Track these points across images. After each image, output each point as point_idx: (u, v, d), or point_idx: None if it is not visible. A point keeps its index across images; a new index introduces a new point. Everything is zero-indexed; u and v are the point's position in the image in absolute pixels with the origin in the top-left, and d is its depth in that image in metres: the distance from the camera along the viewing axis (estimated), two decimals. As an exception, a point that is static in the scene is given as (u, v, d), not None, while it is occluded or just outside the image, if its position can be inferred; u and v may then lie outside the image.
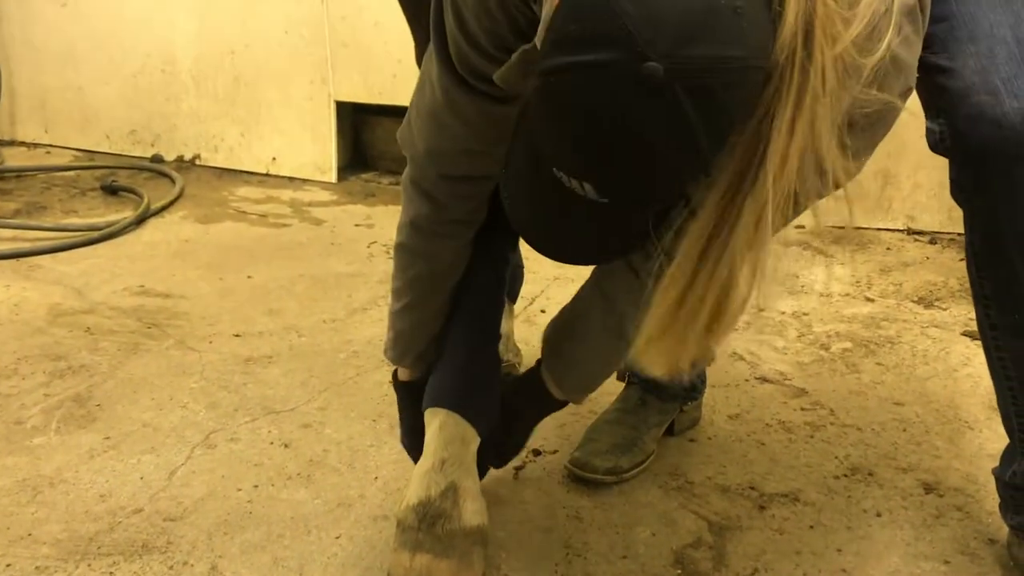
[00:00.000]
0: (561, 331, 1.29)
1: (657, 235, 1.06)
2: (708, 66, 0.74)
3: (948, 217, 2.60)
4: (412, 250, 1.26)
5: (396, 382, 1.39)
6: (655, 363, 0.96)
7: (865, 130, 0.91)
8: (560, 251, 0.96)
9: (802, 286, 2.28)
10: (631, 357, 0.96)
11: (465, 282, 1.36)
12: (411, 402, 1.34)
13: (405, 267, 1.28)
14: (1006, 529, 1.28)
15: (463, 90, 1.06)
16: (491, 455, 1.34)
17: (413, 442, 1.34)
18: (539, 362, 1.31)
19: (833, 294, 2.24)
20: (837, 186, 0.88)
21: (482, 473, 1.32)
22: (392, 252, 1.28)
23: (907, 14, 0.89)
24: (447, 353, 1.32)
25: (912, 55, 0.94)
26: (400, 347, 1.33)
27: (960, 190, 1.12)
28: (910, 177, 2.63)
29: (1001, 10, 1.06)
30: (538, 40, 0.92)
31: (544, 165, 0.84)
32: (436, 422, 1.27)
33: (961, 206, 1.14)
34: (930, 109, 1.10)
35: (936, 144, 1.10)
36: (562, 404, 1.32)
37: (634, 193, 0.82)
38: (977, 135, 1.05)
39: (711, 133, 0.77)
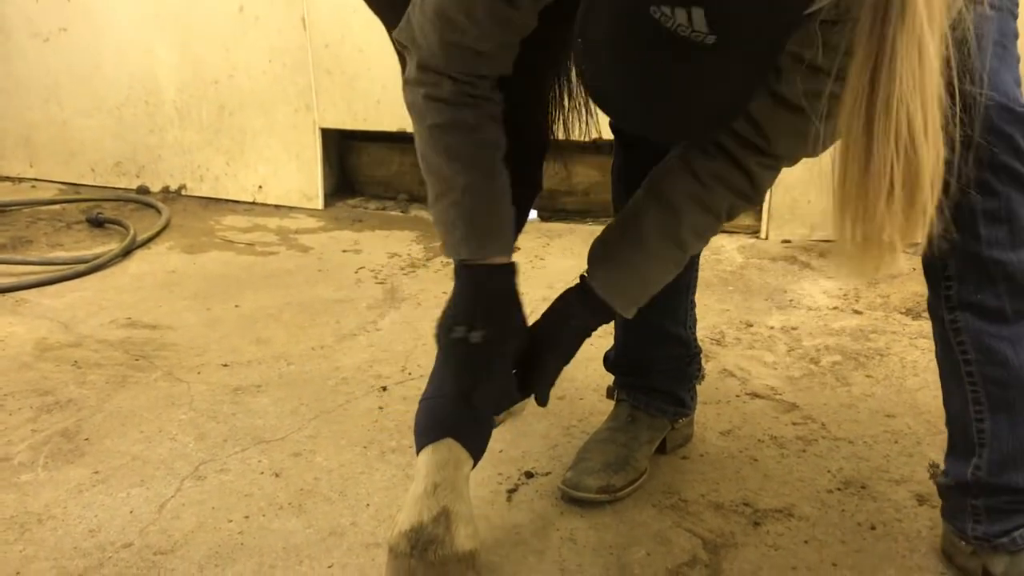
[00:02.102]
0: (612, 233, 1.24)
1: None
2: None
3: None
4: (446, 124, 1.15)
5: (478, 270, 1.20)
6: (858, 261, 0.88)
7: None
8: (661, 118, 0.88)
9: (790, 300, 2.28)
10: (841, 262, 0.88)
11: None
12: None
13: (448, 145, 1.16)
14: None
15: None
16: (530, 379, 1.27)
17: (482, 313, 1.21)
18: (582, 276, 1.25)
19: (821, 308, 2.24)
20: None
21: (517, 399, 1.26)
22: (421, 167, 1.19)
23: None
24: (439, 376, 1.32)
25: None
26: (477, 234, 1.18)
27: None
28: (894, 189, 2.65)
29: None
30: None
31: (640, 6, 0.77)
32: (428, 447, 1.26)
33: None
34: None
35: None
36: (607, 317, 1.24)
37: (750, 15, 0.76)
38: None
39: None
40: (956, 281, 1.16)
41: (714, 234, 1.24)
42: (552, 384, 1.29)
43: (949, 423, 1.25)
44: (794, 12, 0.79)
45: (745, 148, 1.15)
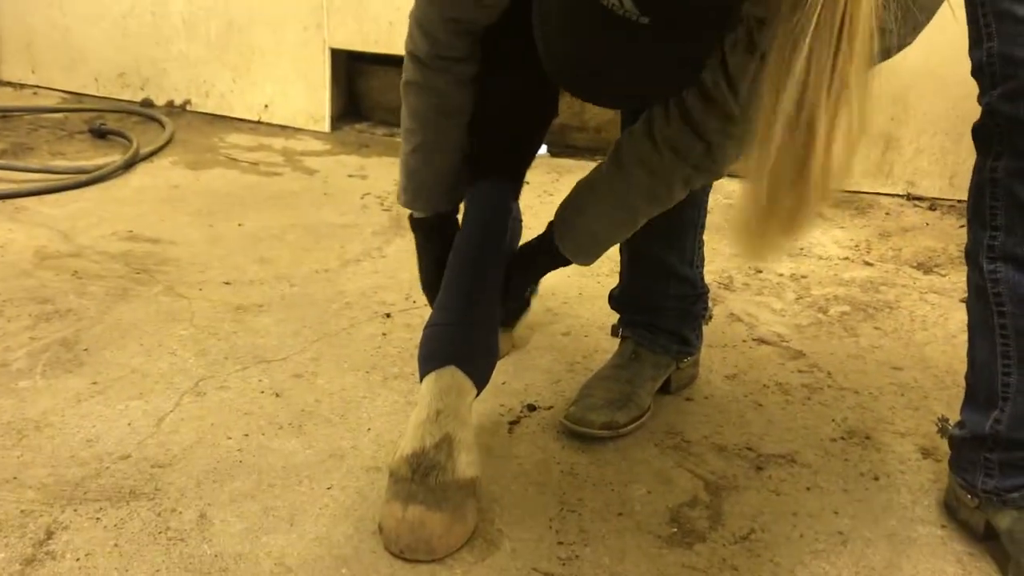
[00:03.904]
0: (573, 190, 1.30)
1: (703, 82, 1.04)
2: None
3: (949, 183, 2.58)
4: (417, 84, 1.26)
5: (413, 221, 1.38)
6: (748, 245, 0.93)
7: None
8: (601, 88, 0.94)
9: (800, 248, 2.26)
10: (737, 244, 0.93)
11: (464, 232, 1.33)
12: (431, 236, 1.37)
13: (413, 104, 1.28)
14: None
15: None
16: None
17: (438, 279, 1.35)
18: (550, 223, 1.33)
19: (832, 257, 2.21)
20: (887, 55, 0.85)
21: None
22: (400, 110, 1.30)
23: None
24: (444, 305, 1.30)
25: None
26: (413, 187, 1.33)
27: (994, 115, 1.11)
28: (912, 142, 2.60)
29: None
30: None
31: None
32: (432, 373, 1.25)
33: (987, 134, 1.13)
34: (982, 34, 1.10)
35: (981, 68, 1.10)
36: (566, 261, 1.32)
37: (674, 7, 0.80)
38: None
39: None
40: (1003, 231, 1.13)
41: (674, 201, 1.23)
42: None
43: (972, 374, 1.23)
44: None
45: (710, 110, 1.11)
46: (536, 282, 1.47)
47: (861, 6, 0.77)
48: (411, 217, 1.38)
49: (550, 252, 1.32)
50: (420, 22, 1.21)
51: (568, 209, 1.30)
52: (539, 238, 1.35)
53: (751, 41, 0.97)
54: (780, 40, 0.81)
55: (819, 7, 0.77)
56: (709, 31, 0.87)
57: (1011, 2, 1.06)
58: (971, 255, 1.19)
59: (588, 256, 1.31)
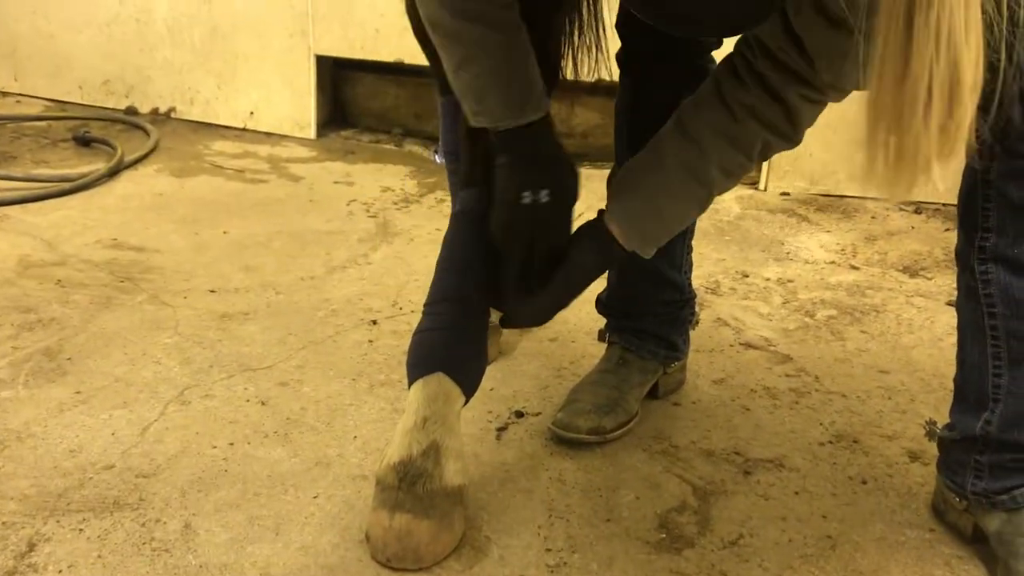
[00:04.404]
0: (633, 166, 1.20)
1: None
2: None
3: (934, 187, 2.58)
4: (450, 7, 1.10)
5: (503, 136, 1.17)
6: (890, 180, 0.83)
7: None
8: (682, 12, 0.88)
9: (787, 253, 2.26)
10: (864, 178, 0.83)
11: (454, 239, 1.33)
12: (543, 135, 1.17)
13: (448, 26, 1.11)
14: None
15: None
16: (531, 309, 1.26)
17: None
18: (600, 211, 1.22)
19: (818, 261, 2.22)
20: None
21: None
22: (433, 39, 1.14)
23: None
24: (433, 311, 1.29)
25: None
26: (490, 100, 1.14)
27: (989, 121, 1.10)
28: (897, 146, 2.61)
29: None
30: None
31: None
32: (420, 380, 1.24)
33: (982, 139, 1.12)
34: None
35: None
36: (621, 256, 1.20)
37: None
38: None
39: None
40: (994, 233, 1.12)
41: (746, 173, 1.18)
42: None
43: (961, 375, 1.23)
44: None
45: (786, 76, 1.09)
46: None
47: None
48: (498, 133, 1.16)
49: (603, 249, 1.20)
50: None
51: (626, 193, 1.19)
52: (580, 238, 1.22)
53: (818, 2, 0.95)
54: None
55: None
56: None
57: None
58: (961, 256, 1.18)
59: (653, 242, 1.20)
